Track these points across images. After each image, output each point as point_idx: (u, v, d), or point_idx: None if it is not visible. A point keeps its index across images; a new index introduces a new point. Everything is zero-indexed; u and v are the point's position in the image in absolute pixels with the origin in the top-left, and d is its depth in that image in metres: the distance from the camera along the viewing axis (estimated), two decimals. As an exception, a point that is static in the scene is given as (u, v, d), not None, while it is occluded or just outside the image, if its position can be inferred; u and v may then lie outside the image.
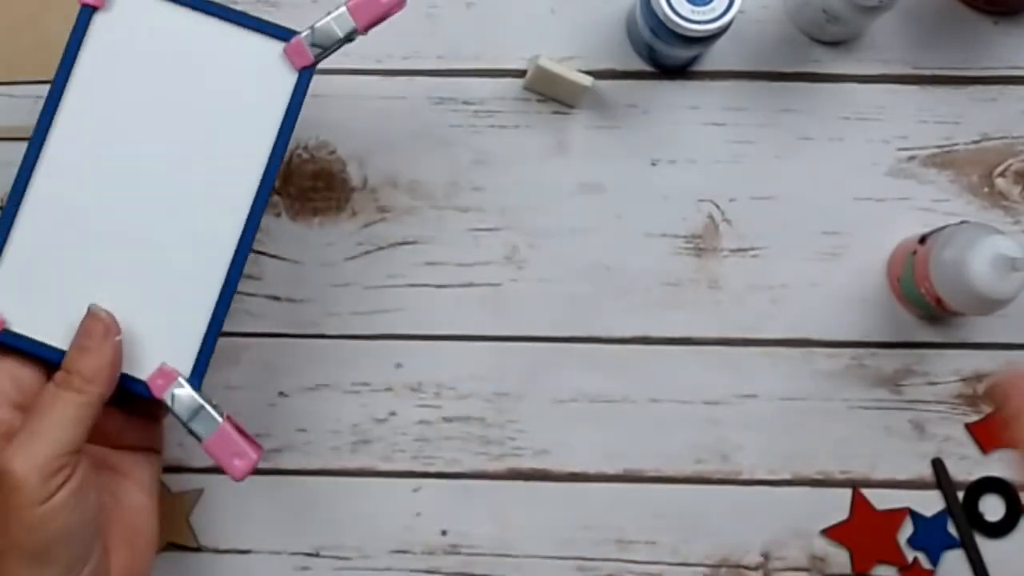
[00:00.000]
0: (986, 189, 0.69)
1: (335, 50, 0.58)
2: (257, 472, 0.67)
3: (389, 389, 0.68)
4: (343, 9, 0.57)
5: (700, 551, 0.67)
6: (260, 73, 0.57)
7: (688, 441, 0.68)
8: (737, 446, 0.67)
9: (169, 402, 0.55)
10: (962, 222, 0.65)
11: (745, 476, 0.67)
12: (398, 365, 0.68)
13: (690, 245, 0.69)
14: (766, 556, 0.67)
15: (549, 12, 0.70)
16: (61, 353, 0.54)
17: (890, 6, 0.63)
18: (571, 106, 0.69)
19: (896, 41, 0.70)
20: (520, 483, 0.67)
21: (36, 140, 0.56)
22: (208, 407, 0.55)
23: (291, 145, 0.67)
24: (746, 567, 0.67)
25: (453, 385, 0.67)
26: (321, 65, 0.68)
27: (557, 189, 0.69)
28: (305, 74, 0.58)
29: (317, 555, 0.67)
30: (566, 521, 0.67)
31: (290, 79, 0.57)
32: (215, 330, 0.56)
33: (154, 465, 0.58)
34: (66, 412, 0.51)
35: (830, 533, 0.67)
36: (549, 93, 0.69)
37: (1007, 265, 0.58)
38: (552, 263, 0.68)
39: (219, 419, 0.55)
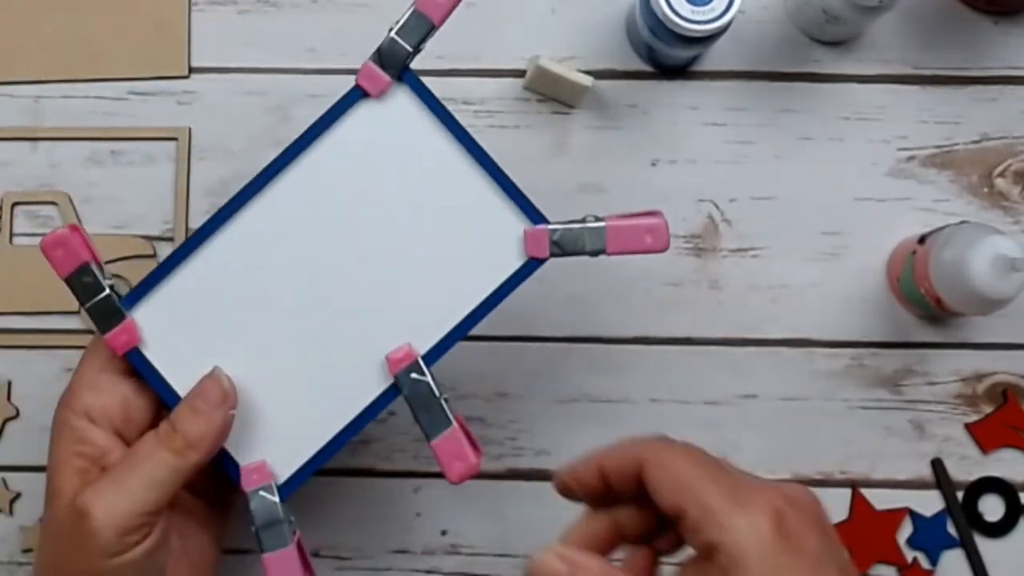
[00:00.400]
0: (986, 189, 0.69)
1: (572, 256, 0.55)
2: (257, 472, 0.67)
3: (389, 389, 0.68)
4: (601, 225, 0.54)
5: (700, 551, 0.67)
6: (490, 240, 0.54)
7: (688, 441, 0.67)
8: (737, 446, 0.67)
9: (252, 501, 0.53)
10: (962, 222, 0.65)
11: (745, 476, 0.67)
12: (398, 365, 0.68)
13: (690, 245, 0.69)
14: (766, 556, 0.67)
15: (549, 12, 0.70)
16: (177, 399, 0.53)
17: (890, 6, 0.63)
18: (571, 106, 0.69)
19: (896, 41, 0.70)
20: (520, 483, 0.67)
21: (251, 188, 0.54)
22: (285, 525, 0.53)
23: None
24: (746, 567, 0.67)
25: (453, 385, 0.67)
26: (322, 65, 0.68)
27: (557, 189, 0.69)
28: (532, 264, 0.55)
29: (317, 555, 0.67)
30: (566, 521, 0.67)
31: (515, 261, 0.55)
32: (323, 458, 0.54)
33: (227, 519, 0.57)
34: (158, 471, 0.50)
35: (830, 533, 0.67)
36: (549, 93, 0.69)
37: (1007, 265, 0.58)
38: (552, 263, 0.68)
39: (289, 540, 0.53)
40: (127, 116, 0.69)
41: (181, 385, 0.53)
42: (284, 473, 0.54)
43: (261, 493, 0.53)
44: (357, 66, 0.69)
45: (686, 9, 0.62)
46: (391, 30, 0.53)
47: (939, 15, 0.70)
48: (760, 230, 0.69)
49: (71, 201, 0.68)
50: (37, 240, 0.68)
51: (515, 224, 0.55)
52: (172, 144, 0.69)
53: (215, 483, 0.56)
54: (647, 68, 0.70)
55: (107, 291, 0.53)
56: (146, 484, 0.50)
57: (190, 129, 0.69)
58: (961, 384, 0.68)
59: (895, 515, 0.67)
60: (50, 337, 0.68)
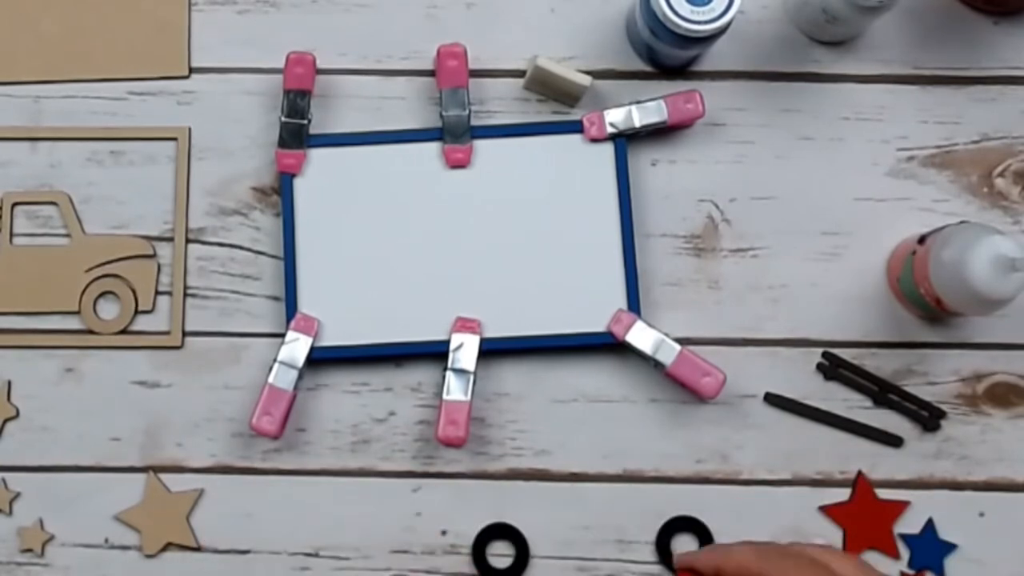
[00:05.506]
0: (986, 189, 0.69)
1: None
2: (257, 472, 0.67)
3: (389, 389, 0.68)
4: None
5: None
6: (589, 294, 0.66)
7: (688, 441, 0.68)
8: (737, 446, 0.67)
9: (287, 338, 0.65)
10: (962, 222, 0.64)
11: (745, 476, 0.67)
12: (398, 365, 0.68)
13: (690, 245, 0.69)
14: (766, 556, 0.67)
15: (549, 12, 0.70)
16: (292, 239, 0.66)
17: (890, 6, 0.63)
18: (571, 106, 0.69)
19: (896, 41, 0.70)
20: (520, 483, 0.67)
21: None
22: (295, 372, 0.64)
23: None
24: (746, 567, 0.67)
25: (453, 385, 0.67)
26: (321, 65, 0.68)
27: (557, 189, 0.69)
28: (605, 336, 0.66)
29: (317, 555, 0.67)
30: (566, 521, 0.67)
31: (595, 326, 0.66)
32: (354, 352, 0.66)
33: None
34: None
35: (829, 511, 0.67)
36: (549, 93, 0.69)
37: (1007, 265, 0.58)
38: (552, 263, 0.68)
39: (292, 385, 0.64)
40: (127, 116, 0.69)
41: (303, 235, 0.66)
42: (324, 340, 0.66)
43: (298, 336, 0.65)
44: (357, 65, 0.70)
45: (686, 9, 0.62)
46: None
47: (939, 15, 0.70)
48: (760, 230, 0.69)
49: (71, 201, 0.68)
50: (37, 240, 0.68)
51: (616, 300, 0.66)
52: (172, 144, 0.69)
53: None
54: (647, 68, 0.70)
55: (307, 121, 0.66)
56: None
57: (190, 129, 0.69)
58: (961, 384, 0.68)
59: (895, 506, 0.67)
60: (50, 337, 0.68)
